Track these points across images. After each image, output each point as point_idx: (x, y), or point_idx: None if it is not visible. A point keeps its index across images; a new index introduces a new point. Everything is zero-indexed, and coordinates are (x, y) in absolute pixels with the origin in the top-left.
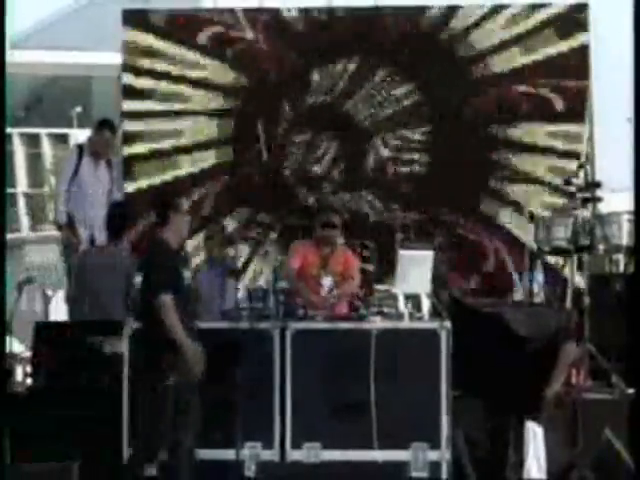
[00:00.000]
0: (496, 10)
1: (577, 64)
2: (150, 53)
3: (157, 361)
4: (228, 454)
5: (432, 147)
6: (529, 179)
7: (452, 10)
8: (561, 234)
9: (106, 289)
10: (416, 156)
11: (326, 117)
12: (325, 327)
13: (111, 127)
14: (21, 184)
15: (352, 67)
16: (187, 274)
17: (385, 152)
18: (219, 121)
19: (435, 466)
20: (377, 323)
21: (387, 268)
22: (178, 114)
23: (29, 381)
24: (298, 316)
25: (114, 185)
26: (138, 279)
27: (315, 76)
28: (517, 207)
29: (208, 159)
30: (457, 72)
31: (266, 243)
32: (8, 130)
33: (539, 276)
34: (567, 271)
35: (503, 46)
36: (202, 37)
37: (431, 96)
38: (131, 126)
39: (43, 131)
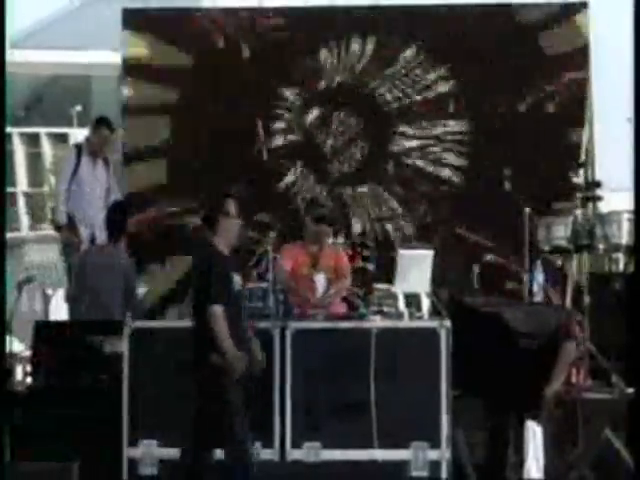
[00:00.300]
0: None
1: (577, 64)
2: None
3: (207, 362)
4: None
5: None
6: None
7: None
8: (561, 233)
9: (106, 288)
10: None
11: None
12: (325, 326)
13: (109, 125)
14: (21, 183)
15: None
16: (237, 278)
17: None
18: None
19: (435, 465)
20: (377, 322)
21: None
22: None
23: (29, 380)
24: (294, 316)
25: (112, 183)
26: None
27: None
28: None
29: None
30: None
31: (265, 243)
32: (8, 129)
33: (539, 275)
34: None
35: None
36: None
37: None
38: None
39: (43, 130)
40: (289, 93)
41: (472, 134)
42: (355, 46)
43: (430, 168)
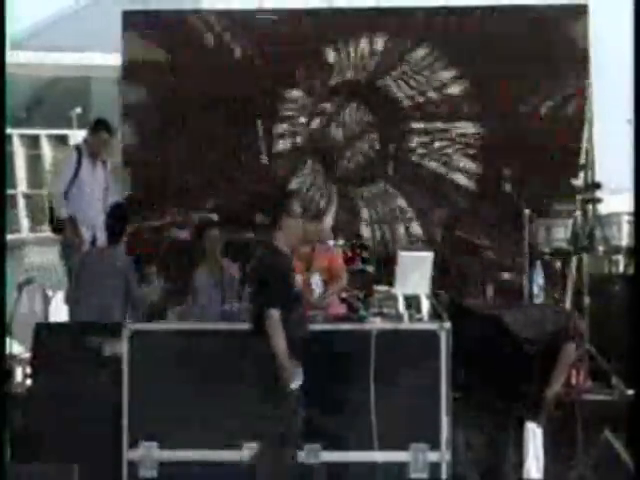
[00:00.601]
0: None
1: (577, 64)
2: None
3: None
4: (228, 455)
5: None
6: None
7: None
8: (561, 235)
9: (106, 290)
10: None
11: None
12: (325, 328)
13: (107, 127)
14: (21, 185)
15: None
16: (299, 278)
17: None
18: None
19: (435, 467)
20: (377, 324)
21: None
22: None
23: (29, 382)
24: None
25: (110, 184)
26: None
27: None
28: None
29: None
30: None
31: None
32: (8, 131)
33: (539, 277)
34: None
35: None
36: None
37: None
38: None
39: (43, 132)
40: (295, 93)
41: (482, 137)
42: (364, 45)
43: (442, 169)
